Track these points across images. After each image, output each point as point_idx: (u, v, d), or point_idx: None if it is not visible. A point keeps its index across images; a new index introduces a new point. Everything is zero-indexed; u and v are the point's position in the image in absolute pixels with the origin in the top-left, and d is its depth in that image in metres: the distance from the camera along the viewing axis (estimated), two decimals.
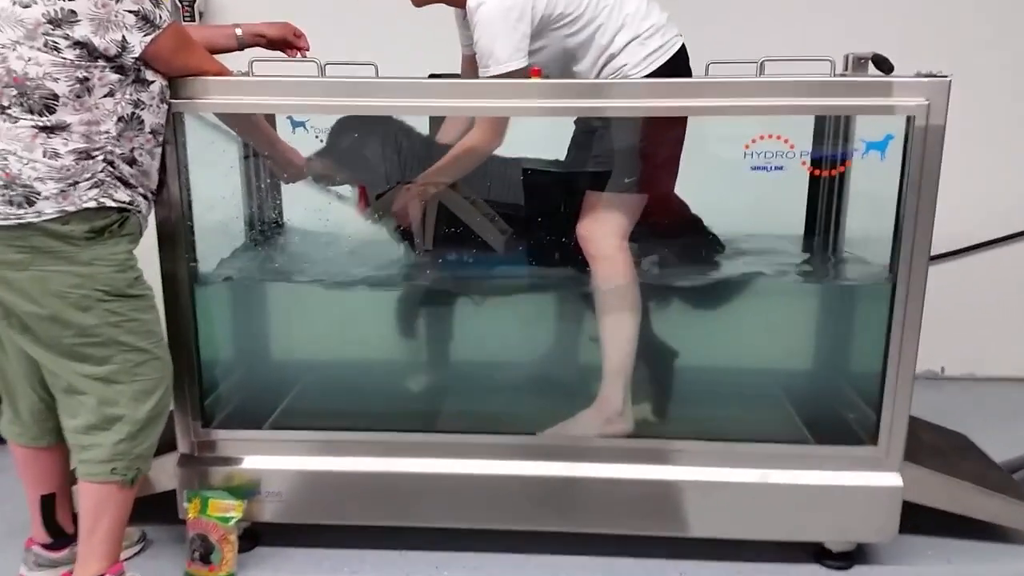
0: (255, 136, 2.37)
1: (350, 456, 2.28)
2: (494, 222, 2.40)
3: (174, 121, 2.08)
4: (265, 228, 2.69)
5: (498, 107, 2.13)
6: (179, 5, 3.16)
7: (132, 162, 1.95)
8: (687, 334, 2.53)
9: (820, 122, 2.48)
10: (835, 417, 2.40)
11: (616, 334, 2.26)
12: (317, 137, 2.43)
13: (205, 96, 2.07)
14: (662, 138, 2.23)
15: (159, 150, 2.03)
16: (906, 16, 3.18)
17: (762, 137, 2.05)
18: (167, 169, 2.10)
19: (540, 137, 2.56)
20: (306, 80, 2.14)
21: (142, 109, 1.94)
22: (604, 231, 2.24)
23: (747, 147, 2.05)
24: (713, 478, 2.22)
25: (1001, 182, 3.24)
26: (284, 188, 2.74)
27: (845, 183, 2.60)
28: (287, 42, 2.34)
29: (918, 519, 2.25)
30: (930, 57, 2.16)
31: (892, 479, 2.19)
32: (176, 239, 2.17)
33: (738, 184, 2.43)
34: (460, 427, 2.34)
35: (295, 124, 2.42)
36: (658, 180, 2.28)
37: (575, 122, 2.42)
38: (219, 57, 2.15)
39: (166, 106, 2.02)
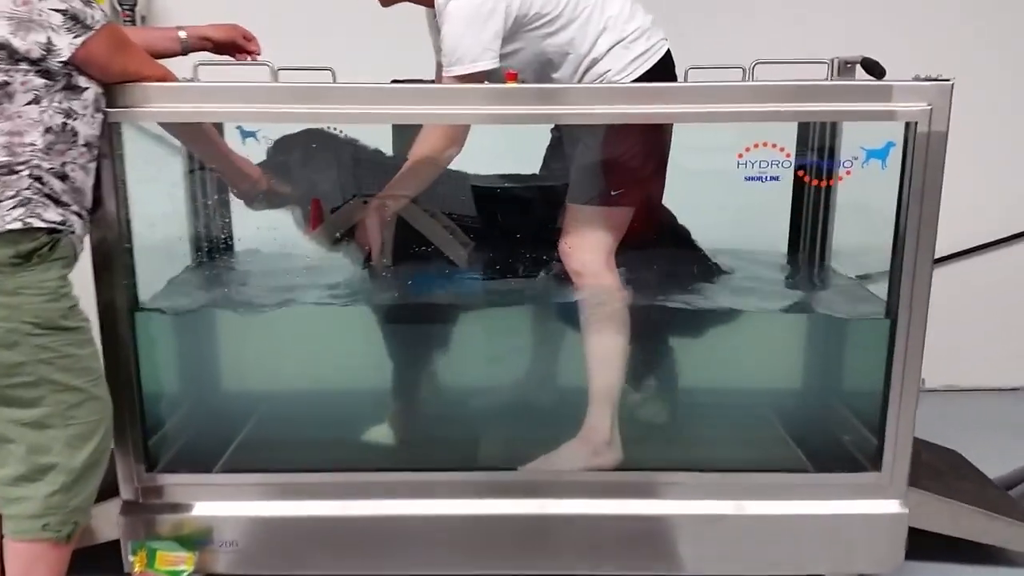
0: (203, 148, 2.16)
1: (312, 499, 2.08)
2: (455, 235, 2.24)
3: (111, 132, 1.87)
4: (213, 248, 2.48)
5: (466, 114, 1.96)
6: (118, 9, 2.94)
7: (63, 177, 1.73)
8: (674, 356, 2.38)
9: (804, 130, 2.36)
10: (834, 443, 2.27)
11: (603, 357, 2.10)
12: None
13: (146, 104, 1.87)
14: (647, 147, 2.08)
15: (94, 164, 1.82)
16: (905, 17, 3.08)
17: (756, 145, 1.91)
18: (103, 185, 1.89)
19: (507, 149, 2.42)
20: (257, 86, 1.94)
21: (74, 119, 1.73)
22: (589, 246, 2.08)
23: (740, 156, 1.90)
24: (708, 511, 2.07)
25: (979, 189, 3.17)
26: (234, 204, 2.52)
27: (832, 194, 2.49)
28: (236, 45, 2.14)
29: (919, 544, 2.12)
30: (924, 59, 2.04)
31: (896, 506, 2.07)
32: (114, 263, 1.95)
33: (718, 195, 2.32)
34: (433, 464, 2.15)
35: (245, 134, 2.23)
36: (644, 191, 2.13)
37: (551, 130, 2.27)
38: (164, 62, 1.95)
39: (101, 115, 1.81)
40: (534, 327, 2.45)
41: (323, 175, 2.24)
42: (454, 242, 2.23)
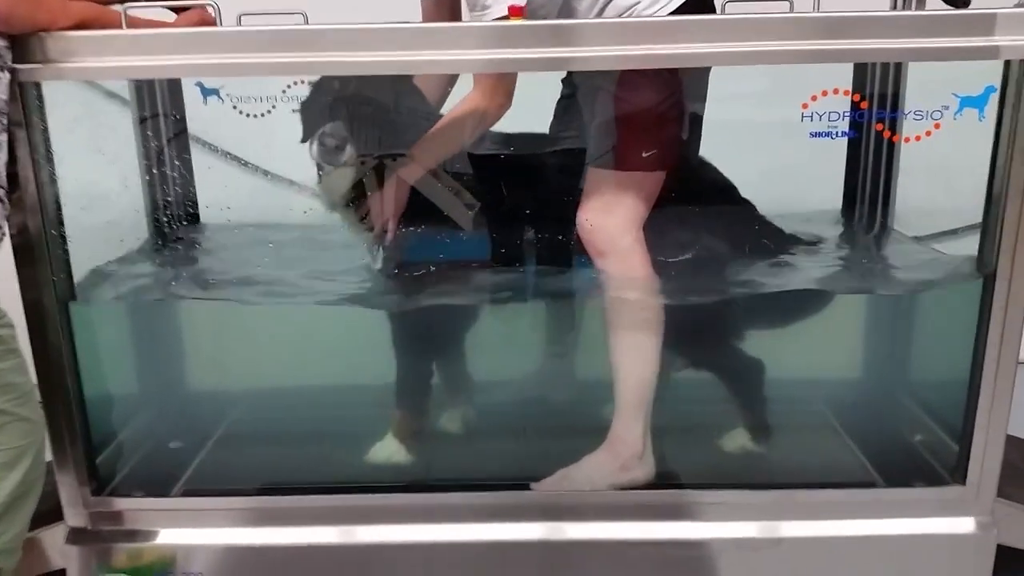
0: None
1: (292, 526, 1.76)
2: (459, 195, 1.89)
3: (24, 95, 1.52)
4: (172, 225, 2.12)
5: (459, 60, 1.57)
6: None
7: None
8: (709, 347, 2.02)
9: (861, 75, 1.98)
10: (908, 452, 1.92)
11: (632, 354, 1.75)
12: (235, 108, 1.87)
13: (68, 59, 1.50)
14: (684, 95, 1.70)
15: (4, 136, 1.47)
16: None
17: (824, 93, 1.52)
18: (18, 160, 1.54)
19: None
20: (216, 32, 1.55)
21: None
22: (614, 220, 1.72)
23: (806, 107, 1.52)
24: (759, 534, 1.74)
25: None
26: (197, 171, 2.17)
27: (897, 148, 2.11)
28: None
29: (1006, 564, 1.80)
30: None
31: (982, 523, 1.74)
32: (38, 252, 1.61)
33: (754, 153, 1.96)
34: (432, 483, 1.83)
35: (206, 92, 1.88)
36: (681, 149, 1.76)
37: (562, 81, 1.89)
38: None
39: (8, 75, 1.46)
40: (546, 317, 2.09)
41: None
42: (459, 203, 1.89)
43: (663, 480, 1.80)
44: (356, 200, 1.87)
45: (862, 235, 2.19)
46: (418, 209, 1.85)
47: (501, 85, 1.71)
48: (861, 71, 1.99)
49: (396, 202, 1.84)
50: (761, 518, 1.75)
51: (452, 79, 1.95)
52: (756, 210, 2.01)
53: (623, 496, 1.76)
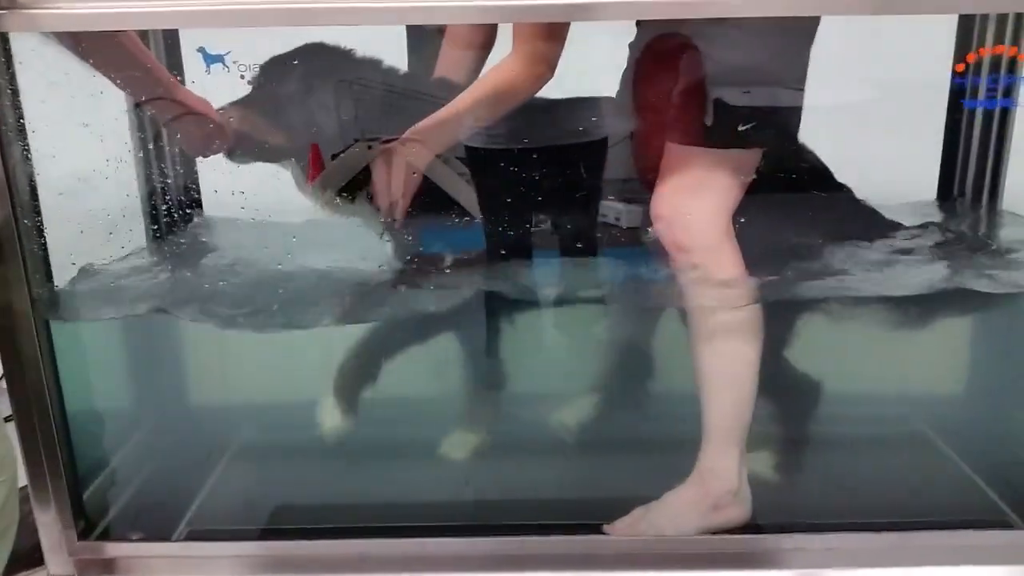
0: (125, 76, 1.49)
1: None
2: (470, 182, 1.62)
3: None
4: (172, 218, 1.83)
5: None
6: None
7: None
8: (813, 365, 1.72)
9: (966, 27, 1.69)
10: None
11: (724, 370, 1.45)
12: (243, 77, 1.59)
13: (41, 4, 1.20)
14: (793, 51, 1.41)
15: None
16: None
17: (982, 52, 1.23)
18: None
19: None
20: None
21: None
22: (702, 208, 1.43)
23: (961, 68, 1.23)
24: None
25: None
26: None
27: (1009, 119, 1.81)
28: None
29: None
30: None
31: None
32: (8, 253, 1.32)
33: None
34: (487, 525, 1.53)
35: (209, 59, 1.57)
36: (785, 122, 1.46)
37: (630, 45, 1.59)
38: None
39: None
40: (617, 322, 1.80)
41: (329, 111, 1.61)
42: (469, 188, 1.61)
43: (760, 520, 1.50)
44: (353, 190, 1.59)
45: (967, 222, 1.90)
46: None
47: (548, 49, 1.43)
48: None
49: (406, 188, 1.55)
50: (883, 564, 1.46)
51: (484, 49, 1.68)
52: (854, 195, 1.73)
53: (716, 541, 1.47)
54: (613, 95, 1.64)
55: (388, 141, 1.55)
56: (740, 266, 1.45)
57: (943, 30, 1.73)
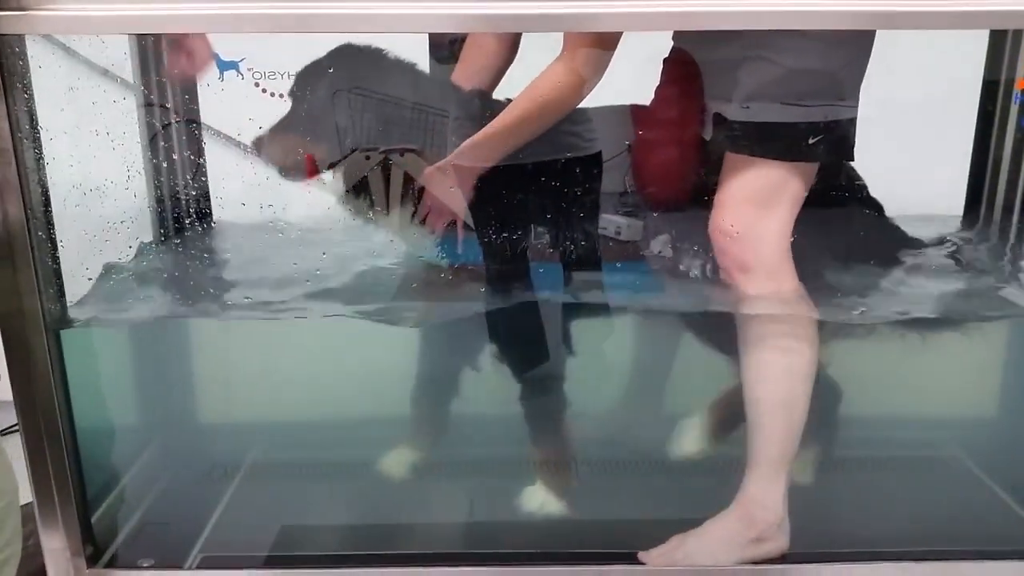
0: None
1: None
2: None
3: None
4: (183, 224, 1.75)
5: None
6: None
7: None
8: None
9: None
10: None
11: (776, 395, 1.39)
12: (259, 86, 1.52)
13: (54, 6, 1.15)
14: (854, 63, 1.35)
15: None
16: None
17: None
18: None
19: None
20: None
21: None
22: (769, 226, 1.36)
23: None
24: None
25: None
26: (210, 157, 1.80)
27: None
28: None
29: None
30: None
31: None
32: (18, 261, 1.25)
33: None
34: (519, 552, 1.46)
35: (224, 66, 1.53)
36: (844, 133, 1.40)
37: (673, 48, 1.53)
38: None
39: None
40: (658, 348, 1.73)
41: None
42: None
43: (800, 549, 1.44)
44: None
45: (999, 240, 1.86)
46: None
47: (602, 51, 1.36)
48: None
49: (455, 205, 1.49)
50: None
51: (510, 52, 1.61)
52: (884, 212, 1.68)
53: (752, 573, 1.40)
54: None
55: (388, 151, 1.49)
56: (798, 286, 1.39)
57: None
